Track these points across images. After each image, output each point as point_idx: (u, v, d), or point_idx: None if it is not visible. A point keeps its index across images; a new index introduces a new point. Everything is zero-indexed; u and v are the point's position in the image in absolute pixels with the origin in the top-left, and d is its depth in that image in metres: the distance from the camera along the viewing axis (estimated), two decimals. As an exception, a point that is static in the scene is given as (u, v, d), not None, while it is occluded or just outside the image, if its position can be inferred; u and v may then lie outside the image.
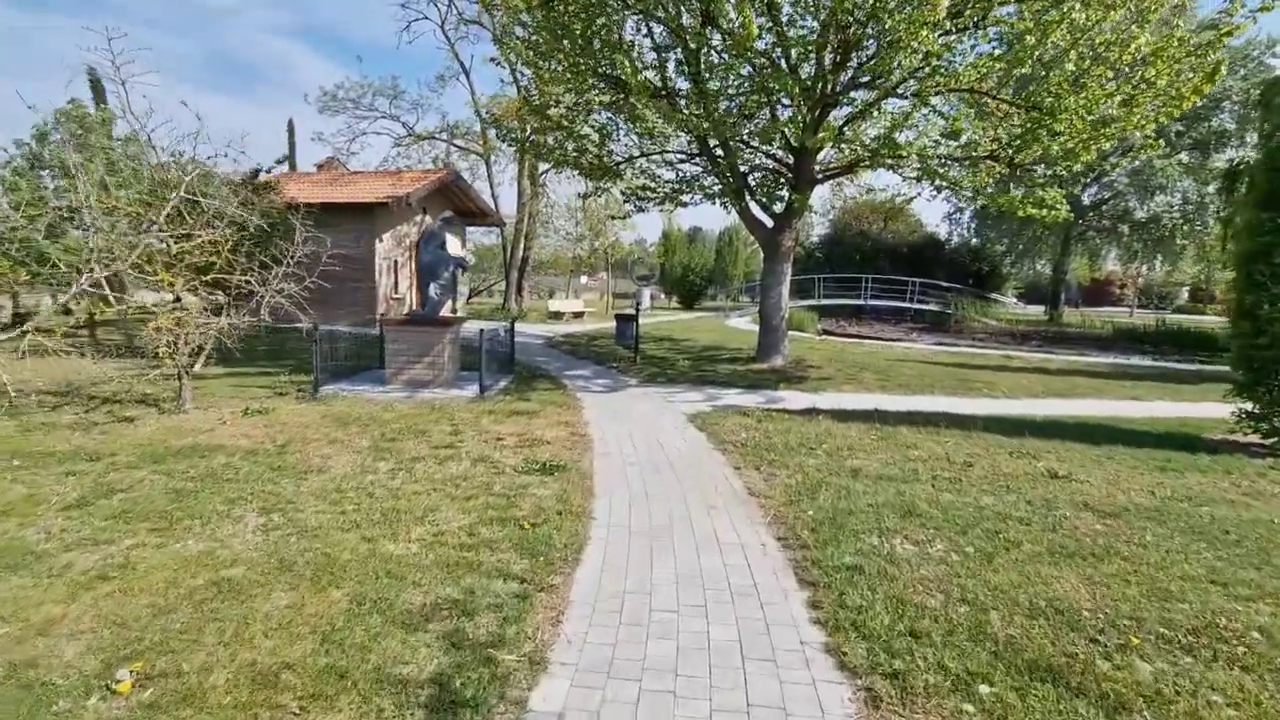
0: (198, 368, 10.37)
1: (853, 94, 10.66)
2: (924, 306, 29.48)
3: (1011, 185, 12.84)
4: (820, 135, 9.72)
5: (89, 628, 2.99)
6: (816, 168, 12.36)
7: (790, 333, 14.27)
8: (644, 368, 12.13)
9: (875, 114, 11.08)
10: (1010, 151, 9.67)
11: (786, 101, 10.31)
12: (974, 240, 35.30)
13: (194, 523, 4.25)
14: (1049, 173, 10.90)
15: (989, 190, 10.97)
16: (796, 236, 12.69)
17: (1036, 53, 8.27)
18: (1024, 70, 8.85)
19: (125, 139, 13.73)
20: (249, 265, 7.56)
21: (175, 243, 7.12)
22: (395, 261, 20.09)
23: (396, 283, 20.27)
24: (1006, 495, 5.16)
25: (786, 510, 4.76)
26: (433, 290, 9.66)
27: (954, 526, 4.42)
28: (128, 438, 6.30)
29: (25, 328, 6.54)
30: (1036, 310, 38.55)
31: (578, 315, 27.20)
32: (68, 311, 9.77)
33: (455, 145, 29.27)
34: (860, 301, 30.44)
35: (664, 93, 10.97)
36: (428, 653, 2.83)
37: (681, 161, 14.11)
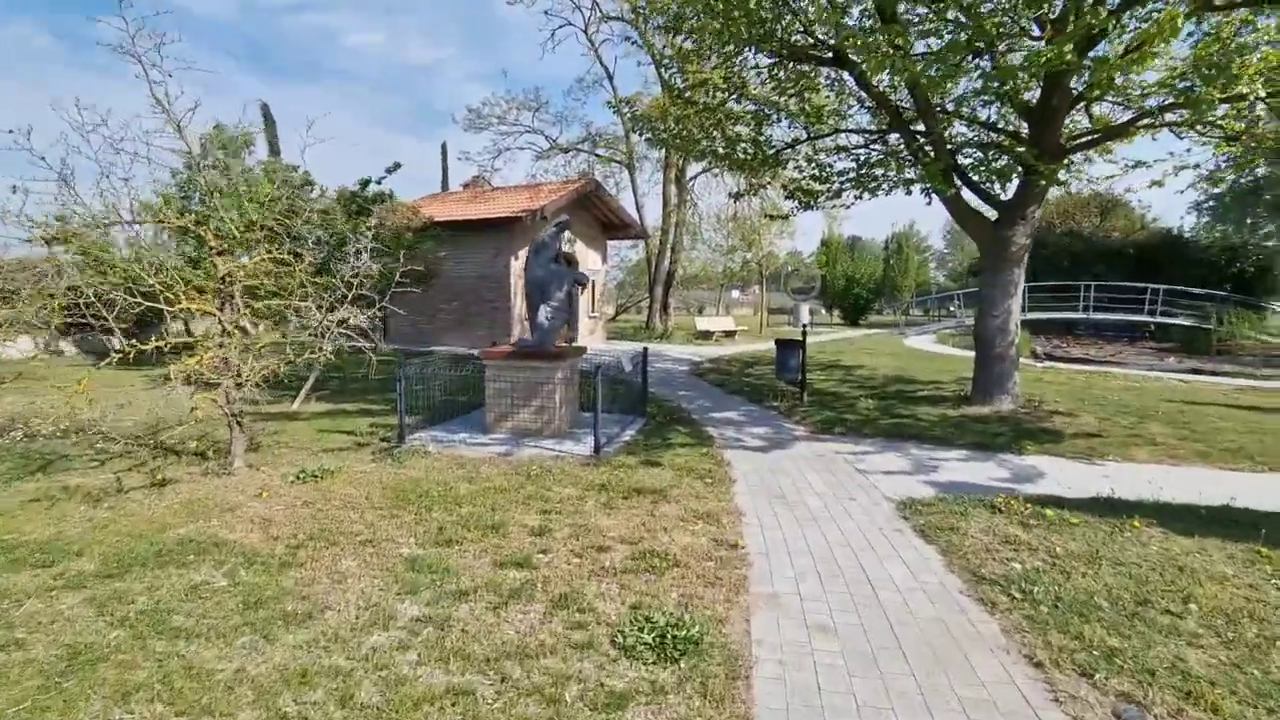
0: (295, 405, 9.29)
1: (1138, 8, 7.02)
2: (1170, 320, 23.14)
3: None
4: (1097, 70, 6.37)
5: None
6: (1062, 135, 8.82)
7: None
8: (813, 409, 9.25)
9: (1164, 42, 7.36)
10: None
11: (1036, 31, 7.07)
12: (1227, 232, 27.58)
13: (9, 769, 2.30)
14: None
15: None
16: (1033, 231, 9.12)
17: None
18: None
19: (265, 163, 13.53)
20: (309, 288, 5.93)
21: (222, 261, 5.64)
22: (531, 279, 18.88)
23: (533, 302, 19.04)
24: None
25: None
26: (543, 314, 7.64)
27: None
28: (131, 519, 4.76)
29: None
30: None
31: (729, 334, 24.60)
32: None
33: (597, 155, 28.08)
34: (1076, 315, 24.73)
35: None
36: None
37: (859, 147, 11.06)
